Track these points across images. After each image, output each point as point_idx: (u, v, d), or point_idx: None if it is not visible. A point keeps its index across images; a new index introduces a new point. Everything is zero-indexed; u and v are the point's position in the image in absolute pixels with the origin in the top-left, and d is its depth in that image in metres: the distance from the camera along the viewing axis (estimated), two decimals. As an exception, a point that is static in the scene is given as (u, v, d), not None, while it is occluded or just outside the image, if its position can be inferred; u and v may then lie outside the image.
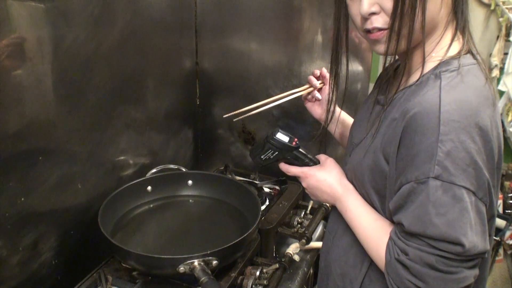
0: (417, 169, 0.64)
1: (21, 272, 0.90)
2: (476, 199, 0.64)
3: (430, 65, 0.72)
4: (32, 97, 0.86)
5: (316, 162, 0.91)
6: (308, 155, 0.91)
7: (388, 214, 0.74)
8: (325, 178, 0.87)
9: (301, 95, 1.08)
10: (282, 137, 0.88)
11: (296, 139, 0.89)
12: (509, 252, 2.66)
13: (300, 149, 0.90)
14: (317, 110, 1.10)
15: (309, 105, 1.12)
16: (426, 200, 0.63)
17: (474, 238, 0.63)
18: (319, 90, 1.08)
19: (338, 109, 1.03)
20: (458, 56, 0.71)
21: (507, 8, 2.59)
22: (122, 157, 1.16)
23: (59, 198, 0.97)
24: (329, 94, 0.95)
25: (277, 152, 0.89)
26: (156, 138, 1.29)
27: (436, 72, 0.69)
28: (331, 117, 0.97)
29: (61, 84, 0.92)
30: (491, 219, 0.70)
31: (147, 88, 1.21)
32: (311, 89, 1.07)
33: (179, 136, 1.41)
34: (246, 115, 1.00)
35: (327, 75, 1.06)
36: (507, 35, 2.67)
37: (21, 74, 0.83)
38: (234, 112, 1.01)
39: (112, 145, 1.12)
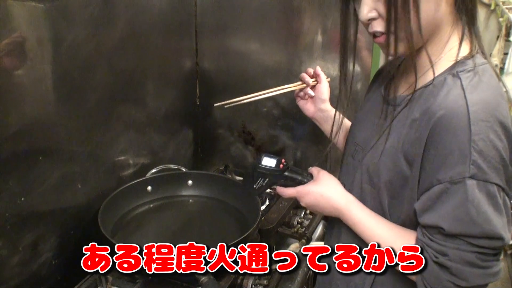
0: (451, 170, 0.65)
1: (21, 272, 0.90)
2: (504, 194, 0.66)
3: (444, 65, 0.72)
4: (32, 97, 0.86)
5: (310, 178, 0.89)
6: (301, 173, 0.89)
7: (396, 216, 0.74)
8: (322, 193, 0.85)
9: (293, 91, 1.08)
10: (268, 162, 0.86)
11: (283, 160, 0.87)
12: (509, 252, 2.66)
13: (290, 169, 0.88)
14: (309, 109, 1.09)
15: (301, 103, 1.11)
16: (465, 200, 0.64)
17: (507, 232, 0.66)
18: (312, 87, 1.08)
19: (333, 110, 1.03)
20: (470, 56, 0.71)
21: (507, 8, 2.60)
22: (122, 157, 1.16)
23: (59, 198, 0.97)
24: (336, 102, 0.94)
25: (267, 179, 0.87)
26: (156, 138, 1.29)
27: (453, 72, 0.70)
28: (340, 126, 0.98)
29: (61, 84, 0.92)
30: None
31: (147, 88, 1.21)
32: (304, 85, 1.07)
33: (179, 136, 1.41)
34: (236, 103, 1.03)
35: (321, 73, 1.06)
36: (507, 35, 2.67)
37: (21, 74, 0.83)
38: (225, 102, 1.03)
39: (112, 145, 1.12)
